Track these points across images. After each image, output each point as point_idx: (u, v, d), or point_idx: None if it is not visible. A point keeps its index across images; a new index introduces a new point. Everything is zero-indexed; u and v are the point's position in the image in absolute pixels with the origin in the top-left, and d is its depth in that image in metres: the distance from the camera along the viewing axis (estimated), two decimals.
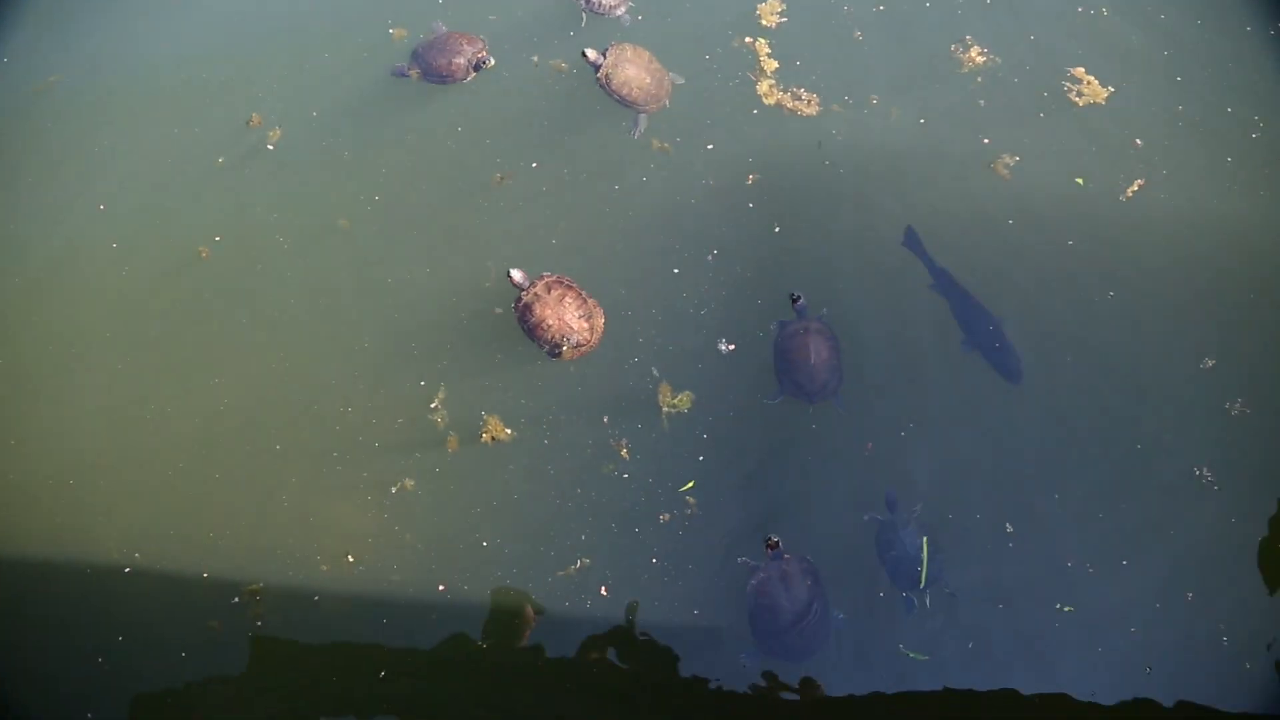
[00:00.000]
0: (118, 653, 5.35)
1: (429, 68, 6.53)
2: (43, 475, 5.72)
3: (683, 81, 6.53)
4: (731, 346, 5.82)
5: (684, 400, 5.68)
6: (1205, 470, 5.48)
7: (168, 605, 5.45)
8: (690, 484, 5.55)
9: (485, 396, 5.79)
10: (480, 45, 6.55)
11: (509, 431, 5.68)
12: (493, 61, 6.52)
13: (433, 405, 5.76)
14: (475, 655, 5.34)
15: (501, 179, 6.32)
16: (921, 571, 5.27)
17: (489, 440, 5.65)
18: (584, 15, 6.74)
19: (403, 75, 6.59)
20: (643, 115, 6.41)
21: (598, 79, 6.37)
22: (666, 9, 6.82)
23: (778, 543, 5.28)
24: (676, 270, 6.04)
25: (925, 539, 5.32)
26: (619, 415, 5.71)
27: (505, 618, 5.39)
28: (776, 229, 6.12)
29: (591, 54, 6.38)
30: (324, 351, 5.97)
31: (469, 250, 6.17)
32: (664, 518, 5.50)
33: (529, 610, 5.38)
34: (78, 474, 5.71)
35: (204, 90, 6.71)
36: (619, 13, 6.74)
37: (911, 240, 6.02)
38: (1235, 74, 6.45)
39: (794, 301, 5.81)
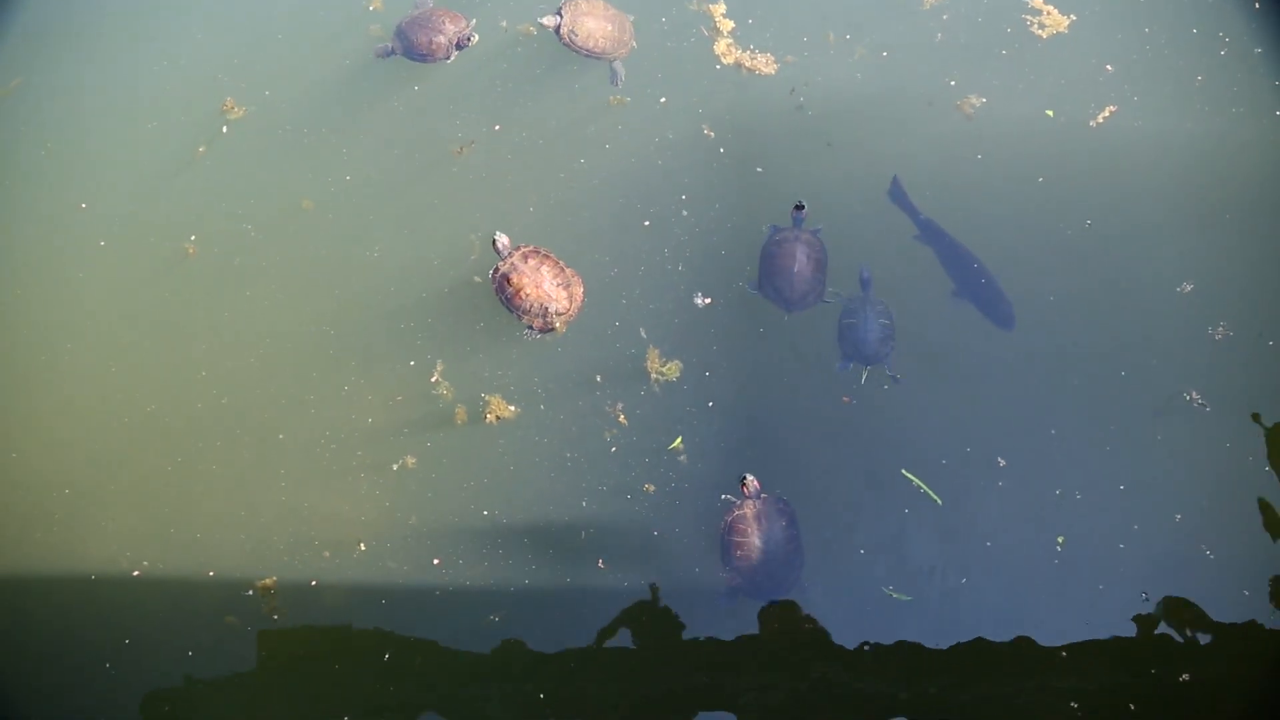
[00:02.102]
0: (125, 657, 5.20)
1: (410, 44, 6.21)
2: (38, 484, 5.53)
3: (634, 17, 6.32)
4: (708, 300, 5.67)
5: (672, 370, 5.52)
6: (1195, 394, 5.36)
7: (174, 606, 5.29)
8: (678, 440, 5.42)
9: (480, 368, 5.62)
10: (464, 23, 6.24)
11: (512, 409, 5.52)
12: (476, 38, 6.23)
13: (433, 379, 5.59)
14: (482, 631, 5.21)
15: (462, 150, 6.10)
16: (925, 490, 5.25)
17: (493, 420, 5.49)
18: None
19: (388, 55, 6.30)
20: (616, 62, 6.22)
21: (560, 39, 6.16)
22: None
23: (752, 481, 5.24)
24: (648, 224, 5.87)
25: (907, 472, 5.29)
26: (612, 380, 5.56)
27: (508, 592, 5.27)
28: (759, 169, 5.95)
29: (548, 20, 6.18)
30: (309, 338, 5.77)
31: (442, 223, 5.97)
32: (648, 488, 5.36)
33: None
34: (72, 481, 5.52)
35: (175, 78, 6.40)
36: None
37: (897, 192, 5.84)
38: None
39: (798, 208, 5.71)
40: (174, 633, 5.25)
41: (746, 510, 5.19)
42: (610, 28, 6.16)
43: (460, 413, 5.52)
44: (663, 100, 6.15)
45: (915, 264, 5.73)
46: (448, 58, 6.23)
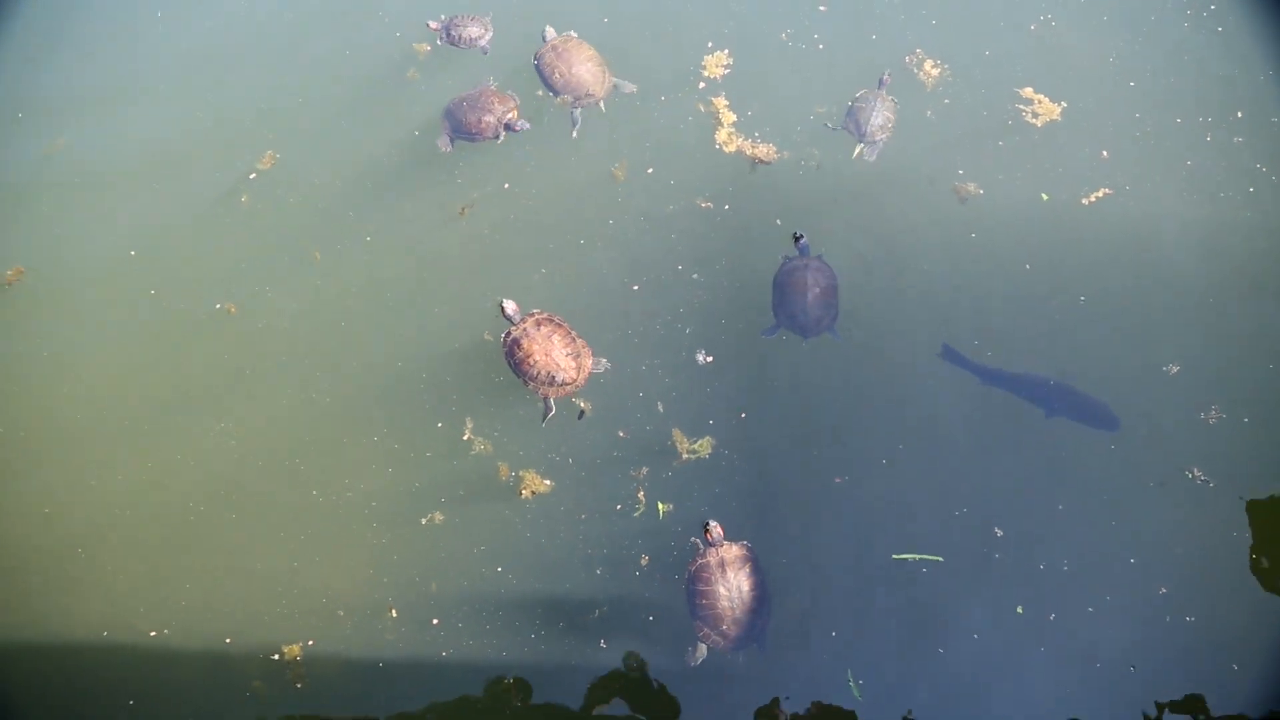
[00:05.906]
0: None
1: (459, 124, 6.16)
2: (52, 543, 5.39)
3: (634, 89, 6.31)
4: (710, 358, 5.59)
5: (704, 446, 5.40)
6: (1197, 470, 5.28)
7: (187, 670, 5.13)
8: (661, 506, 5.30)
9: (493, 425, 5.52)
10: (511, 104, 6.18)
11: (548, 483, 5.39)
12: (527, 125, 6.14)
13: (465, 438, 5.48)
14: (489, 696, 5.06)
15: (463, 210, 6.05)
16: (922, 558, 5.16)
17: (529, 495, 5.36)
18: (440, 42, 6.52)
19: (449, 146, 6.24)
20: (576, 110, 6.21)
21: (541, 70, 6.25)
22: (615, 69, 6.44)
23: (715, 527, 5.07)
24: (647, 288, 5.83)
25: (898, 555, 5.17)
26: (634, 452, 5.44)
27: (521, 663, 5.11)
28: (778, 221, 5.92)
29: (549, 31, 6.29)
30: (330, 400, 5.67)
31: (458, 283, 5.91)
32: (644, 560, 5.24)
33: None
34: (86, 540, 5.38)
35: (210, 134, 6.40)
36: (482, 43, 6.50)
37: (950, 354, 5.64)
38: (1183, 75, 6.26)
39: (796, 240, 5.71)
40: (181, 698, 5.08)
41: (710, 558, 4.99)
42: (575, 68, 6.13)
43: (503, 468, 5.42)
44: (649, 170, 6.11)
45: (917, 339, 5.68)
46: (496, 137, 6.16)
